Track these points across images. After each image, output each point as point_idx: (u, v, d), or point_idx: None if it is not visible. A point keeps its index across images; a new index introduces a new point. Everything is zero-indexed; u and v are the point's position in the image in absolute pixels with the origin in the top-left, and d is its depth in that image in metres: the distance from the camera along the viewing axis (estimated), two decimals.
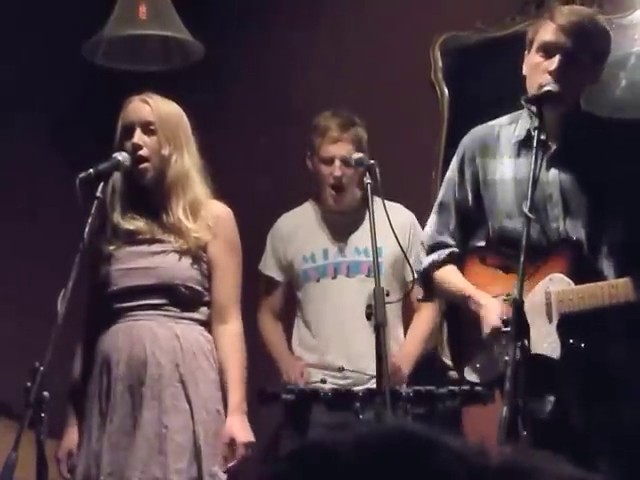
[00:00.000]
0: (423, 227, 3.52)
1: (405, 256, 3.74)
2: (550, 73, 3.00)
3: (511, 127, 3.19)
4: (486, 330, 3.04)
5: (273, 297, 4.44)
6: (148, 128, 3.41)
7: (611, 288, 2.94)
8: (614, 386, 3.03)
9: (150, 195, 3.44)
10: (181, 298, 3.40)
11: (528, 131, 3.10)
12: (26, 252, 4.87)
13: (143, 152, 3.40)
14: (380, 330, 3.29)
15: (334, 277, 4.32)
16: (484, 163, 3.21)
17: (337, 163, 4.24)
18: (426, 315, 4.34)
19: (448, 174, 3.31)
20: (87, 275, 3.41)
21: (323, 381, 4.11)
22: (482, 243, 3.26)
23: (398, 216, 4.05)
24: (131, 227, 3.42)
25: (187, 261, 3.41)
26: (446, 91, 4.93)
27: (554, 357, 2.97)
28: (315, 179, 4.38)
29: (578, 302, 2.98)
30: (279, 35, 5.29)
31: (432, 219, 3.33)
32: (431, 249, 3.30)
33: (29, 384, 2.94)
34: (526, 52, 3.11)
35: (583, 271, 3.04)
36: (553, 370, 2.98)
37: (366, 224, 3.95)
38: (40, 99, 5.05)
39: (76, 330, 3.47)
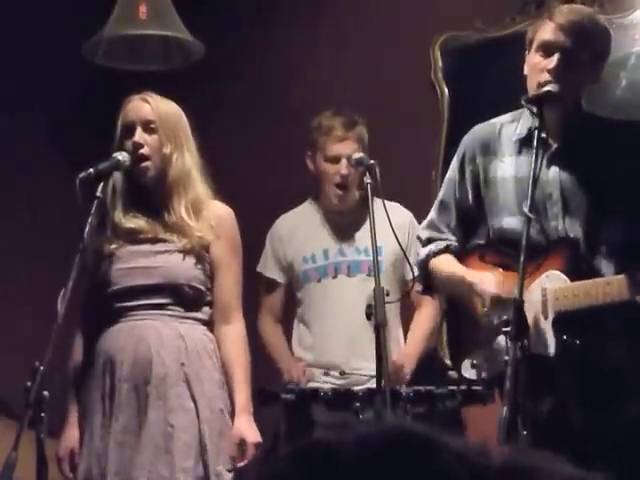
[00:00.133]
0: None
1: (405, 255, 3.75)
2: (549, 72, 3.00)
3: (513, 125, 3.19)
4: (486, 299, 3.02)
5: (273, 298, 4.44)
6: (149, 127, 3.41)
7: (606, 286, 2.94)
8: (611, 384, 3.02)
9: (151, 194, 3.44)
10: (185, 298, 3.40)
11: (529, 129, 3.10)
12: (26, 252, 4.87)
13: (144, 150, 3.40)
14: (380, 330, 3.29)
15: (335, 277, 4.32)
16: (485, 161, 3.20)
17: (344, 162, 4.24)
18: (427, 313, 4.34)
19: (449, 173, 3.31)
20: (87, 274, 3.40)
21: (342, 373, 4.12)
22: (482, 242, 3.26)
23: (397, 215, 4.05)
24: (133, 226, 3.41)
25: (191, 261, 3.41)
26: (446, 91, 4.93)
27: (549, 354, 2.97)
28: (317, 178, 4.38)
29: (573, 300, 2.97)
30: (279, 35, 5.30)
31: (431, 215, 3.33)
32: (428, 242, 3.30)
33: (29, 384, 2.94)
34: (526, 52, 3.11)
35: (580, 269, 3.04)
36: (549, 368, 2.98)
37: (366, 224, 3.96)
38: (40, 99, 5.05)
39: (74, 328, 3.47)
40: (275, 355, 4.34)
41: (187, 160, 3.45)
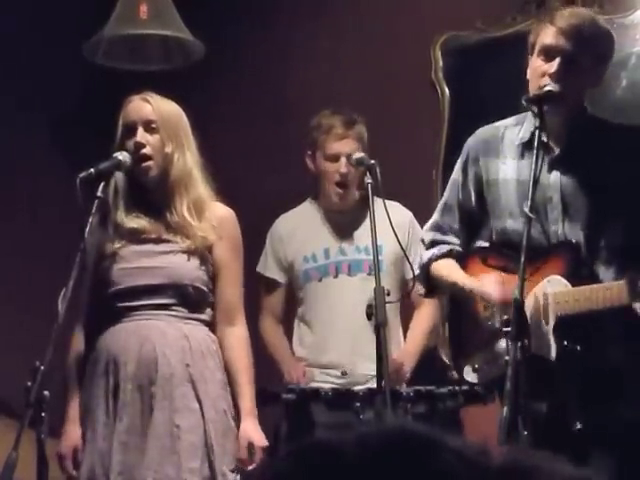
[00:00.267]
0: (422, 226, 3.52)
1: (405, 254, 3.75)
2: (550, 76, 3.00)
3: (516, 128, 3.19)
4: (495, 299, 3.05)
5: (274, 298, 4.44)
6: (150, 126, 3.41)
7: (606, 291, 2.94)
8: (611, 388, 3.02)
9: (153, 194, 3.44)
10: (189, 298, 3.40)
11: (532, 133, 3.09)
12: (26, 252, 4.87)
13: (146, 150, 3.40)
14: (380, 330, 3.29)
15: (336, 276, 4.32)
16: (487, 163, 3.20)
17: (343, 160, 4.24)
18: (426, 312, 4.34)
19: (453, 175, 3.31)
20: (87, 274, 3.40)
21: (344, 373, 4.13)
22: (486, 244, 3.27)
23: (397, 215, 4.04)
24: (135, 226, 3.41)
25: (195, 261, 3.41)
26: (446, 91, 4.93)
27: (550, 358, 2.97)
28: (317, 177, 4.38)
29: (574, 304, 2.98)
30: (280, 35, 5.30)
31: (435, 217, 3.33)
32: (432, 244, 3.30)
33: (29, 383, 2.94)
34: (529, 56, 3.11)
35: (581, 274, 3.04)
36: (549, 370, 2.98)
37: (366, 223, 3.96)
38: (40, 99, 5.05)
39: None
40: (276, 356, 4.34)
41: (188, 160, 3.45)
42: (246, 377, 3.40)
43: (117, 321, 3.38)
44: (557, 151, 3.09)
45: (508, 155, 3.17)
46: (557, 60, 3.00)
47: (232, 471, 3.32)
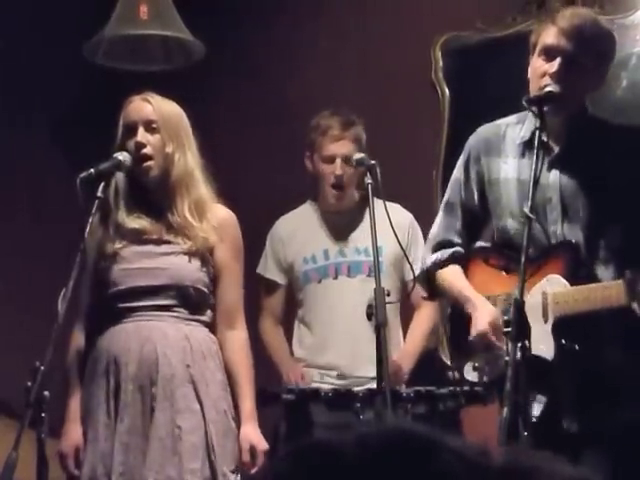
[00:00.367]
0: (422, 227, 3.52)
1: (405, 255, 3.75)
2: (550, 76, 3.00)
3: (517, 127, 3.18)
4: (473, 333, 3.06)
5: (274, 300, 4.43)
6: (150, 127, 3.41)
7: (605, 291, 2.94)
8: (609, 389, 3.02)
9: (153, 194, 3.44)
10: (190, 300, 3.40)
11: (533, 133, 3.09)
12: (26, 252, 4.87)
13: (147, 150, 3.40)
14: (380, 330, 3.29)
15: (335, 277, 4.32)
16: (489, 162, 3.20)
17: (338, 162, 4.24)
18: (426, 314, 4.33)
19: (454, 174, 3.31)
20: (87, 274, 3.40)
21: (340, 375, 4.13)
22: (488, 244, 3.26)
23: (397, 216, 4.04)
24: (136, 226, 3.41)
25: (196, 263, 3.41)
26: (447, 91, 4.93)
27: (548, 358, 2.97)
28: (315, 179, 4.38)
29: (573, 304, 2.98)
30: (280, 35, 5.30)
31: (439, 218, 3.32)
32: (435, 248, 3.29)
33: (29, 383, 2.94)
34: (530, 56, 3.11)
35: (580, 274, 3.04)
36: (546, 369, 2.98)
37: (366, 224, 3.96)
38: (40, 99, 5.05)
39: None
40: (275, 358, 4.34)
41: (189, 160, 3.45)
42: (246, 379, 3.40)
43: (118, 322, 3.38)
44: (556, 150, 3.09)
45: (509, 154, 3.17)
46: (558, 60, 3.00)
47: (232, 471, 3.32)
